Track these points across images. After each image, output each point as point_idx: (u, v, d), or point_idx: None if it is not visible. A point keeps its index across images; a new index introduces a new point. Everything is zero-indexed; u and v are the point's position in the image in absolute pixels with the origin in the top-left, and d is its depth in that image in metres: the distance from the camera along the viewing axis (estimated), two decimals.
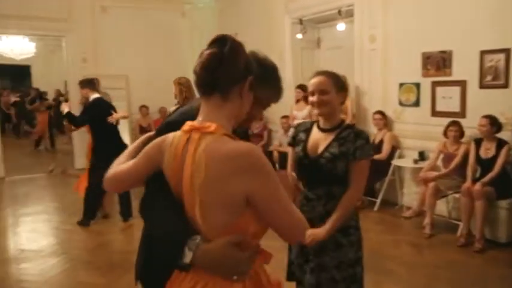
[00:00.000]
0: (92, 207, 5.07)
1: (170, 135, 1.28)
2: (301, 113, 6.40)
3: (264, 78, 1.51)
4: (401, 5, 5.34)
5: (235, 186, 1.14)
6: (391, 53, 5.51)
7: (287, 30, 7.12)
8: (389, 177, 5.42)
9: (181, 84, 4.24)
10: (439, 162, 4.82)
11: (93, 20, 8.25)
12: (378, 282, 3.40)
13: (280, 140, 6.97)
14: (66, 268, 3.95)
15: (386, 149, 5.36)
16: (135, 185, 1.39)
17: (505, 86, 4.38)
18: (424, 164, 4.94)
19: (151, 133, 1.50)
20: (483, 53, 4.48)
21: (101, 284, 3.58)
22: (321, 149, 2.09)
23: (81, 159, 7.64)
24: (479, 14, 4.49)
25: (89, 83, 5.12)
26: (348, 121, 2.24)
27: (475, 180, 4.27)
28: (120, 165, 1.40)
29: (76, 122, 5.20)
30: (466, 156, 4.50)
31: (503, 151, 4.20)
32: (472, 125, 4.52)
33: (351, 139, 2.05)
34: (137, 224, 4.45)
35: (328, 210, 2.06)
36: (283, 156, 6.35)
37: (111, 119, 4.89)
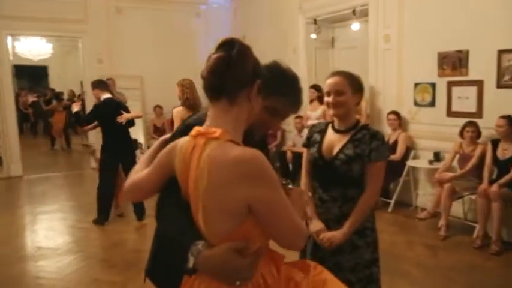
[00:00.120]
0: (104, 206, 5.11)
1: (181, 140, 1.28)
2: (315, 113, 6.39)
3: (284, 89, 1.51)
4: (416, 4, 5.28)
5: (237, 193, 1.13)
6: (406, 52, 5.46)
7: (301, 30, 7.11)
8: (403, 178, 5.37)
9: (184, 86, 4.32)
10: (455, 163, 4.76)
11: (108, 21, 8.35)
12: (392, 284, 3.37)
13: (293, 140, 6.95)
14: (82, 266, 4.01)
15: (400, 149, 5.31)
16: (154, 192, 1.39)
17: None
18: (440, 165, 4.89)
19: (167, 136, 1.50)
20: (501, 52, 4.41)
21: (117, 282, 3.63)
22: (335, 150, 2.07)
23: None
24: (497, 13, 4.42)
25: (99, 84, 5.18)
26: (362, 121, 2.21)
27: (491, 182, 4.20)
28: (137, 173, 1.40)
29: (81, 120, 5.30)
30: (482, 157, 4.43)
31: None
32: (488, 125, 4.45)
33: (366, 140, 2.03)
34: (151, 223, 4.47)
35: (343, 213, 2.04)
36: (296, 156, 6.34)
37: (120, 119, 4.94)
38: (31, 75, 17.07)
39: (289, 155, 6.78)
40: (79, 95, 13.06)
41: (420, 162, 5.31)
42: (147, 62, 8.43)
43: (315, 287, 1.33)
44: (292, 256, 1.72)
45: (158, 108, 8.50)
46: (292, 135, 7.17)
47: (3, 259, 4.12)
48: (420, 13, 5.23)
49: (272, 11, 7.74)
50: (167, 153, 1.31)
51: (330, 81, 2.06)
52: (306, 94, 6.48)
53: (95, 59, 8.25)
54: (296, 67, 7.08)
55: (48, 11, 7.64)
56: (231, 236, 1.17)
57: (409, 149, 5.40)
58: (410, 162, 5.31)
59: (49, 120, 12.26)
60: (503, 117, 4.21)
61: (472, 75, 4.74)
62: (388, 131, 5.53)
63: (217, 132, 1.18)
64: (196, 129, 1.24)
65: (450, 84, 4.97)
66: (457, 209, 4.80)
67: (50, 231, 5.05)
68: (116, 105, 5.09)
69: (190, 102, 4.33)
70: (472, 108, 4.74)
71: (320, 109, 6.21)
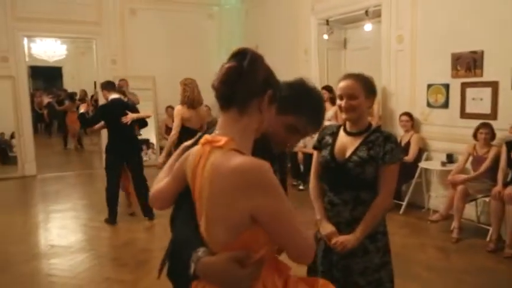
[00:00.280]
0: (112, 206, 5.12)
1: (194, 148, 1.29)
2: (327, 114, 6.35)
3: (307, 109, 1.49)
4: (430, 5, 5.23)
5: (239, 203, 1.11)
6: (419, 53, 5.41)
7: (313, 30, 7.08)
8: (415, 180, 5.32)
9: (186, 85, 4.38)
10: (468, 165, 4.70)
11: (122, 23, 8.45)
12: (403, 287, 3.34)
13: (304, 141, 6.93)
14: (94, 264, 4.05)
15: (413, 151, 5.26)
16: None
17: None
18: (452, 167, 4.83)
19: (189, 142, 1.50)
20: None
21: (128, 281, 3.64)
22: (348, 152, 2.04)
23: None
24: None
25: (107, 85, 5.25)
26: (374, 123, 2.19)
27: (506, 184, 4.14)
28: (159, 182, 1.42)
29: (86, 121, 5.38)
30: (496, 159, 4.37)
31: None
32: (503, 127, 4.39)
33: (380, 143, 2.00)
34: (161, 223, 4.51)
35: (354, 217, 2.02)
36: (307, 157, 6.32)
37: (125, 119, 4.97)
38: (46, 76, 17.33)
39: (300, 156, 6.77)
40: (92, 96, 13.22)
41: (433, 164, 5.25)
42: (159, 63, 8.51)
43: None
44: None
45: (170, 109, 8.53)
46: None
47: (17, 257, 4.18)
48: (433, 13, 5.18)
49: (284, 12, 7.73)
50: (182, 162, 1.33)
51: (343, 84, 2.02)
52: None
53: (108, 60, 8.35)
54: (308, 68, 7.12)
55: (64, 13, 7.78)
56: (232, 245, 1.16)
57: (421, 151, 5.35)
58: (422, 164, 5.26)
59: (64, 120, 12.42)
60: None
61: (487, 77, 4.68)
62: (400, 133, 5.48)
63: (222, 140, 1.17)
64: (204, 138, 1.24)
65: (464, 86, 4.91)
66: (470, 211, 4.74)
67: (63, 229, 5.12)
68: (122, 106, 5.12)
69: (190, 100, 4.37)
70: (487, 109, 4.68)
71: (332, 110, 6.18)
